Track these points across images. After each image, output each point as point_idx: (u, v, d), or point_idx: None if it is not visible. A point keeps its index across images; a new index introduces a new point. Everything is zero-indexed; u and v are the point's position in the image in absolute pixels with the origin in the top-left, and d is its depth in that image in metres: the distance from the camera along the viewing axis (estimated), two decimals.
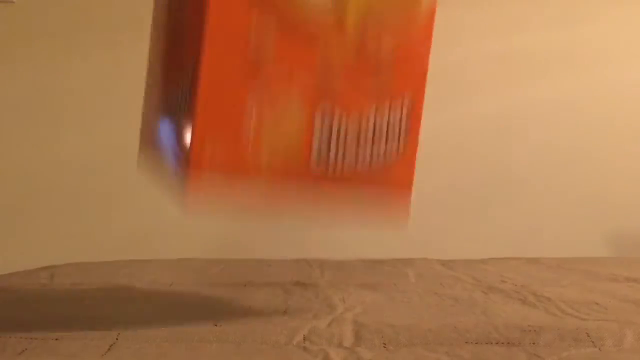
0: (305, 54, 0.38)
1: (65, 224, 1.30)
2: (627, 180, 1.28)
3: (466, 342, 0.40)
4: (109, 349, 0.38)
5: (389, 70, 0.42)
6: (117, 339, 0.40)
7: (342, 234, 1.05)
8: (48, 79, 1.31)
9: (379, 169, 0.42)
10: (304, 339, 0.41)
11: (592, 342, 0.39)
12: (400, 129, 0.43)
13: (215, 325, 0.45)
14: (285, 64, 0.38)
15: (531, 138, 1.30)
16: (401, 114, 0.43)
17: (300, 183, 0.39)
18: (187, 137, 0.37)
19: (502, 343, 0.40)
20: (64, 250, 1.13)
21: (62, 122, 1.32)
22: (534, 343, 0.39)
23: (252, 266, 0.77)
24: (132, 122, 1.44)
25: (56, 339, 0.40)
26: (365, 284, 0.64)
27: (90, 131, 1.32)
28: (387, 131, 0.42)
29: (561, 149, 1.30)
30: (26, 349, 0.38)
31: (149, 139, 0.49)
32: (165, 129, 0.43)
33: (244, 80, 0.37)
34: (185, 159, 0.37)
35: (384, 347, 0.39)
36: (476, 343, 0.40)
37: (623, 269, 0.73)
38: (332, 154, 0.39)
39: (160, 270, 0.75)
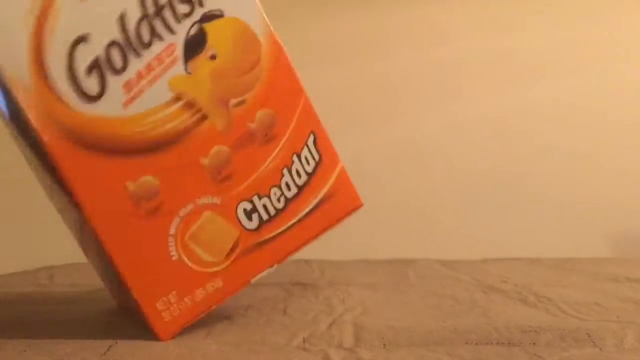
0: (185, 164, 0.40)
1: (65, 224, 1.30)
2: (628, 181, 1.28)
3: (466, 343, 0.40)
4: (108, 349, 0.38)
5: (274, 128, 0.43)
6: (116, 340, 0.40)
7: (343, 234, 1.05)
8: None
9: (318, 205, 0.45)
10: (304, 340, 0.41)
11: (593, 342, 0.39)
12: (318, 163, 0.44)
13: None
14: (178, 187, 0.39)
15: (531, 138, 1.30)
16: (312, 155, 0.44)
17: (254, 258, 0.43)
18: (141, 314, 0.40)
19: (503, 343, 0.40)
20: (64, 250, 1.13)
21: None
22: (534, 343, 0.39)
23: None
24: None
25: (55, 340, 0.40)
26: (365, 284, 0.64)
27: None
28: (306, 177, 0.44)
29: (561, 149, 1.29)
30: (25, 350, 0.38)
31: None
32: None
33: (152, 226, 0.39)
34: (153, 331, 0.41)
35: (384, 347, 0.39)
36: (476, 343, 0.39)
37: (624, 269, 0.73)
38: (266, 223, 0.43)
39: None
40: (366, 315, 0.48)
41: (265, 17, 0.43)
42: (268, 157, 0.42)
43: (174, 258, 0.39)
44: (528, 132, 1.30)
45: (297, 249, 0.45)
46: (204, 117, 0.39)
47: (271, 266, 0.45)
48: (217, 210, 0.40)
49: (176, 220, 0.39)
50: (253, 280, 0.44)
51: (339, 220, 0.46)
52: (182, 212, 0.39)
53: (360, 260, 0.82)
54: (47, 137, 0.35)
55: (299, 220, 0.44)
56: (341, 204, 0.46)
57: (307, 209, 0.44)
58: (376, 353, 0.38)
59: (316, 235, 0.46)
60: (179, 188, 0.39)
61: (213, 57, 0.40)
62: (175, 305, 0.40)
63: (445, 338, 0.40)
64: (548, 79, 1.31)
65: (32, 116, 0.34)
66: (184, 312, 0.41)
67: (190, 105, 0.39)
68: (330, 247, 1.06)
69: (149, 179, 0.38)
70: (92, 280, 0.69)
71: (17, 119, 0.36)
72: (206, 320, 0.46)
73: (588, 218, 1.27)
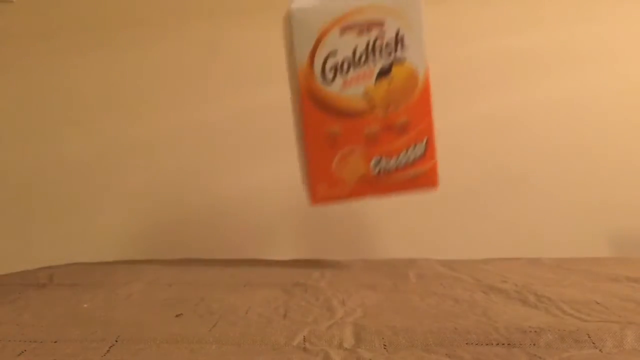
0: (357, 128, 0.74)
1: (65, 224, 1.30)
2: (628, 180, 1.28)
3: (467, 343, 0.40)
4: (108, 350, 0.38)
5: (407, 128, 0.75)
6: (116, 340, 0.40)
7: (343, 234, 1.05)
8: (48, 78, 1.31)
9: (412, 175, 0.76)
10: (304, 339, 0.40)
11: (593, 343, 0.39)
12: (422, 155, 0.76)
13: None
14: (348, 135, 0.74)
15: (531, 138, 1.30)
16: (421, 149, 0.76)
17: (368, 186, 0.76)
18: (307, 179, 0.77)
19: (503, 344, 0.39)
20: (64, 250, 1.13)
21: (62, 122, 1.32)
22: (534, 344, 0.39)
23: (252, 266, 0.77)
24: (131, 121, 1.45)
25: (55, 341, 0.40)
26: (365, 284, 0.64)
27: (90, 131, 1.32)
28: (413, 159, 0.76)
29: (561, 149, 1.29)
30: (25, 350, 0.38)
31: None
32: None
33: (330, 148, 0.75)
34: (308, 190, 0.77)
35: (384, 348, 0.39)
36: (477, 344, 0.39)
37: (624, 269, 0.73)
38: (382, 172, 0.76)
39: (160, 270, 0.75)
40: (366, 316, 0.48)
41: (428, 65, 0.76)
42: (397, 141, 0.75)
43: (332, 168, 0.75)
44: (528, 133, 1.30)
45: (389, 192, 0.76)
46: (374, 108, 0.74)
47: (374, 195, 0.76)
48: (361, 155, 0.75)
49: (341, 151, 0.74)
50: (364, 197, 0.76)
51: (419, 187, 0.76)
52: (346, 149, 0.74)
53: (360, 260, 0.82)
54: (304, 95, 0.74)
55: (399, 180, 0.75)
56: (425, 181, 0.76)
57: (406, 175, 0.75)
58: (376, 353, 0.38)
59: (403, 191, 0.76)
60: (349, 137, 0.74)
61: (390, 82, 0.74)
62: (324, 190, 0.76)
63: (446, 338, 0.40)
64: (548, 80, 1.31)
65: (302, 85, 0.74)
66: (326, 196, 0.76)
67: (370, 100, 0.74)
68: (330, 247, 1.06)
69: (336, 128, 0.74)
70: (92, 280, 0.69)
71: (295, 80, 0.76)
72: (207, 319, 0.46)
73: (588, 218, 1.27)
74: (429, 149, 0.75)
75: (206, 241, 1.25)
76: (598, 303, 0.51)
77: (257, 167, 1.29)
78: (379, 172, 0.75)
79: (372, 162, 0.75)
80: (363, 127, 0.74)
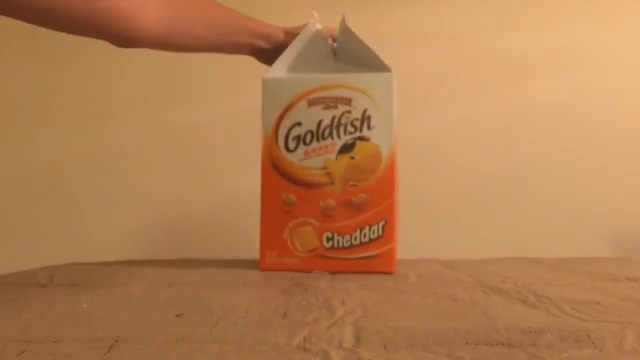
0: (313, 200, 0.75)
1: (65, 224, 1.30)
2: (627, 180, 1.28)
3: (466, 343, 0.40)
4: (108, 350, 0.38)
5: (366, 207, 0.74)
6: (116, 340, 0.40)
7: None
8: (48, 78, 1.31)
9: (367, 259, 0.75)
10: (304, 339, 0.41)
11: (593, 343, 0.39)
12: (379, 237, 0.75)
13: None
14: (303, 206, 0.75)
15: (531, 138, 1.30)
16: (378, 231, 0.74)
17: (319, 260, 0.76)
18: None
19: (503, 344, 0.40)
20: (64, 250, 1.13)
21: (62, 122, 1.32)
22: (534, 344, 0.39)
23: (252, 266, 0.77)
24: (132, 122, 1.45)
25: (55, 341, 0.40)
26: (365, 284, 0.64)
27: (91, 131, 1.32)
28: (369, 239, 0.75)
29: (561, 149, 1.29)
30: (25, 350, 0.38)
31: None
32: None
33: (284, 215, 0.76)
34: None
35: (384, 348, 0.39)
36: (476, 344, 0.39)
37: (624, 269, 0.73)
38: (334, 249, 0.76)
39: (160, 270, 0.75)
40: (366, 316, 0.48)
41: (395, 145, 0.75)
42: (354, 218, 0.74)
43: (284, 237, 0.75)
44: (528, 133, 1.30)
45: (340, 270, 0.74)
46: (332, 182, 0.75)
47: (323, 271, 0.74)
48: (314, 227, 0.75)
49: (294, 221, 0.75)
50: (313, 271, 0.74)
51: (372, 271, 0.73)
52: (299, 219, 0.75)
53: None
54: (265, 160, 0.77)
55: (351, 258, 0.75)
56: (380, 265, 0.74)
57: (359, 256, 0.74)
58: (376, 353, 0.38)
59: (355, 271, 0.73)
60: (303, 208, 0.75)
61: (352, 158, 0.75)
62: (273, 257, 0.76)
63: (445, 338, 0.40)
64: (548, 80, 1.31)
65: (265, 151, 0.77)
66: (274, 264, 0.76)
67: (329, 174, 0.75)
68: None
69: (292, 197, 0.75)
70: (92, 280, 0.69)
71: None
72: (207, 319, 0.46)
73: (588, 218, 1.27)
74: (387, 232, 0.74)
75: (206, 241, 1.26)
76: (598, 303, 0.51)
77: (257, 166, 1.29)
78: (331, 247, 0.74)
79: (325, 237, 0.74)
80: (319, 200, 0.74)
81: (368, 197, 0.74)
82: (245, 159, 1.35)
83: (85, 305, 0.53)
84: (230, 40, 0.76)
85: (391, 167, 0.74)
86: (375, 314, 0.49)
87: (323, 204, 0.74)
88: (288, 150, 0.75)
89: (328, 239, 0.74)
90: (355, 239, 0.74)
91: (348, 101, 0.75)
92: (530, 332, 0.41)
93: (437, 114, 1.28)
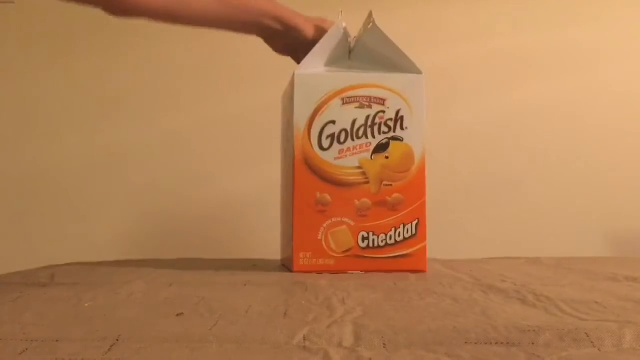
0: (348, 199, 0.75)
1: (65, 224, 1.30)
2: (627, 180, 1.28)
3: (466, 343, 0.40)
4: (109, 349, 0.38)
5: (400, 207, 0.76)
6: (117, 339, 0.40)
7: None
8: (48, 79, 1.32)
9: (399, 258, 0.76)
10: (304, 338, 0.41)
11: (592, 342, 0.39)
12: (412, 235, 0.76)
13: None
14: (338, 206, 0.74)
15: (531, 138, 1.30)
16: (412, 230, 0.76)
17: (354, 260, 0.75)
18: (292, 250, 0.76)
19: (502, 343, 0.40)
20: (64, 250, 1.14)
21: (62, 122, 1.32)
22: (533, 343, 0.39)
23: (252, 266, 0.77)
24: (132, 122, 1.45)
25: (57, 340, 0.40)
26: (365, 284, 0.64)
27: (91, 131, 1.32)
28: (403, 238, 0.76)
29: (561, 149, 1.30)
30: (27, 349, 0.38)
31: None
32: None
33: (319, 216, 0.74)
34: (292, 256, 0.76)
35: (384, 347, 0.39)
36: (476, 343, 0.40)
37: (623, 269, 0.74)
38: (369, 248, 0.76)
39: (160, 270, 0.75)
40: (366, 315, 0.48)
41: (424, 148, 0.77)
42: (388, 218, 0.75)
43: (319, 237, 0.74)
44: (527, 134, 1.30)
45: (373, 270, 0.74)
46: (367, 182, 0.75)
47: (359, 271, 0.75)
48: (349, 227, 0.75)
49: (329, 221, 0.74)
50: (349, 271, 0.74)
51: (405, 270, 0.75)
52: (334, 219, 0.74)
53: None
54: (298, 158, 0.75)
55: (385, 257, 0.75)
56: (413, 263, 0.76)
57: (393, 255, 0.75)
58: (376, 352, 0.38)
59: (389, 270, 0.74)
60: (339, 208, 0.74)
61: (387, 158, 0.76)
62: (307, 259, 0.74)
63: (445, 337, 0.40)
64: (549, 80, 1.31)
65: (297, 149, 0.74)
66: (308, 265, 0.74)
67: (364, 174, 0.75)
68: None
69: (327, 196, 0.74)
70: (92, 280, 0.69)
71: (291, 143, 0.76)
72: (208, 318, 0.46)
73: (588, 218, 1.27)
74: (420, 231, 0.76)
75: (206, 241, 1.26)
76: (597, 302, 0.52)
77: (258, 166, 1.29)
78: (367, 247, 0.74)
79: (360, 236, 0.74)
80: (354, 199, 0.74)
81: (402, 196, 0.75)
82: (246, 160, 1.36)
83: (86, 305, 0.53)
84: (238, 16, 0.72)
85: (422, 167, 0.76)
86: (375, 313, 0.49)
87: (359, 203, 0.74)
88: (322, 148, 0.74)
89: (364, 239, 0.74)
90: (390, 238, 0.74)
91: (382, 101, 0.75)
92: (529, 331, 0.41)
93: (436, 115, 1.29)
